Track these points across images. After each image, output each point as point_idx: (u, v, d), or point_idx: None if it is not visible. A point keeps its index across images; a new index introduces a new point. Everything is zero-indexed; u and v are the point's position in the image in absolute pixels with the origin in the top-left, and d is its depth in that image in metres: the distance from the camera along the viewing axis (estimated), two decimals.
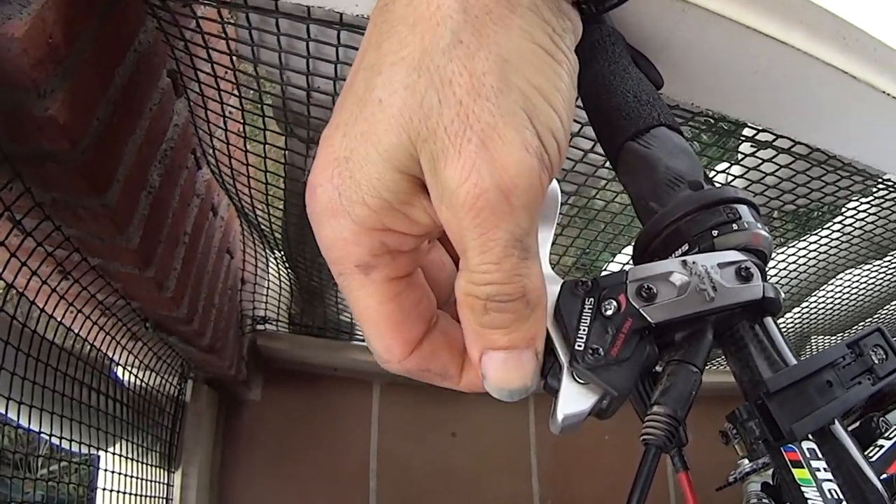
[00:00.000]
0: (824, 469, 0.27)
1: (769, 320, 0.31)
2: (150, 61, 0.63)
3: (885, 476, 0.75)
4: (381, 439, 1.48)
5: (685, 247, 0.32)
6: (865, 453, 0.85)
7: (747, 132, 0.69)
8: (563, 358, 0.28)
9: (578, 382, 0.28)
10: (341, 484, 1.43)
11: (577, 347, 0.27)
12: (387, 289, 0.26)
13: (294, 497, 1.38)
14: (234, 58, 0.62)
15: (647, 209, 0.35)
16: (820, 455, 0.28)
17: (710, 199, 0.32)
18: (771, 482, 1.05)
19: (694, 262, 0.29)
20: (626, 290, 0.28)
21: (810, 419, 0.27)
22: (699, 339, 0.29)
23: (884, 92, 0.56)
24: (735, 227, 0.31)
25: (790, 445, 0.28)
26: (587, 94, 0.41)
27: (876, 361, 0.29)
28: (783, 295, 0.32)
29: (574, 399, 0.28)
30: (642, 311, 0.28)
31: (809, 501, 0.29)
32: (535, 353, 0.27)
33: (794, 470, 0.28)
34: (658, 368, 0.30)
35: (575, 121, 0.63)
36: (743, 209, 0.32)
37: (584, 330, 0.28)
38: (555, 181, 0.36)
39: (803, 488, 0.28)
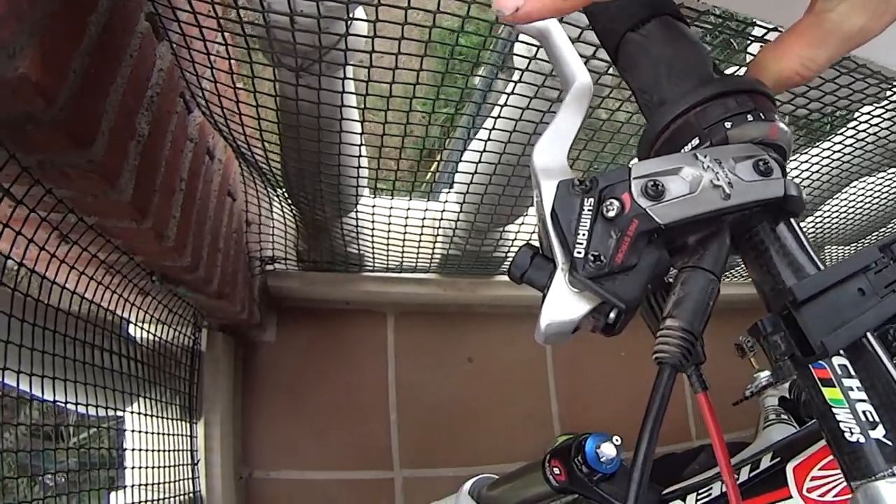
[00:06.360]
0: (857, 388, 0.25)
1: (792, 222, 0.28)
2: (125, 6, 0.60)
3: None
4: (399, 370, 1.49)
5: (695, 141, 0.28)
6: None
7: (757, 32, 0.65)
8: (560, 261, 0.25)
9: (571, 288, 0.25)
10: (362, 418, 1.44)
11: (576, 254, 0.25)
12: None
13: (317, 435, 1.40)
14: None
15: (652, 103, 0.32)
16: (853, 372, 0.25)
17: (722, 89, 0.29)
18: (788, 396, 1.04)
19: (706, 156, 0.26)
20: (630, 188, 0.25)
21: (843, 331, 0.24)
22: (715, 241, 0.26)
23: None
24: (750, 117, 0.28)
25: (820, 362, 0.26)
26: None
27: None
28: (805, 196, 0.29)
29: (563, 306, 0.25)
30: (649, 212, 0.25)
31: (842, 424, 0.25)
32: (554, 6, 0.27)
33: (824, 389, 0.25)
34: (670, 278, 0.28)
35: (572, 24, 0.60)
36: (759, 100, 0.29)
37: (583, 234, 0.25)
38: (589, 76, 0.33)
39: (834, 409, 0.25)
